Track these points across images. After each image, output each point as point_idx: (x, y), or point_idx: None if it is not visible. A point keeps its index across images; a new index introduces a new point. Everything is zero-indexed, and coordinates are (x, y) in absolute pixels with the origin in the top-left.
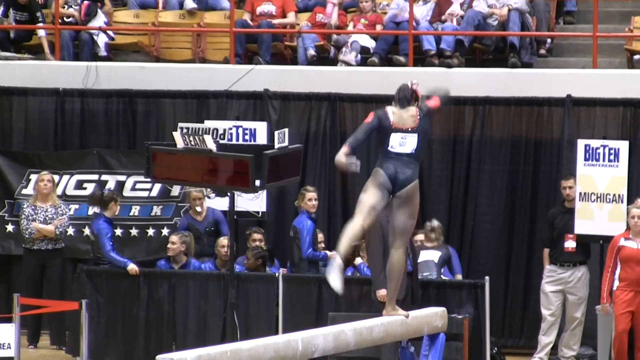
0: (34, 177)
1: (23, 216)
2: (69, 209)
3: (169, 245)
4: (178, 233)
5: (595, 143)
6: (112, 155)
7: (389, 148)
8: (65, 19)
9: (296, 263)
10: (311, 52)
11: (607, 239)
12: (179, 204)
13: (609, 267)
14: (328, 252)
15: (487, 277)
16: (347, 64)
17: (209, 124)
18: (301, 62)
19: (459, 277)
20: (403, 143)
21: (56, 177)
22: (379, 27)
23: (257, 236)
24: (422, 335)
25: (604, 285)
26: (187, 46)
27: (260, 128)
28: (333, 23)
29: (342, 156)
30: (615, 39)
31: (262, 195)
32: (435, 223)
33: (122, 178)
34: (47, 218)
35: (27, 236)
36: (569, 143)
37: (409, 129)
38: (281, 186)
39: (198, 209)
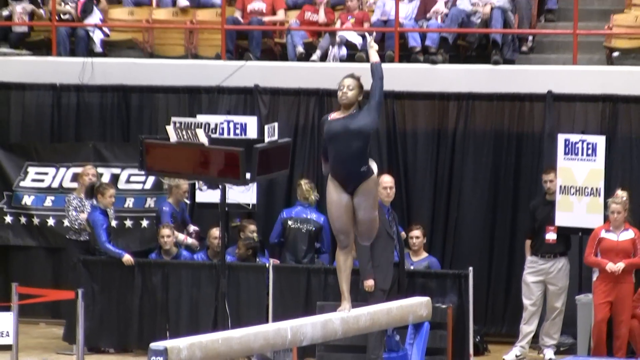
0: (31, 170)
1: (71, 207)
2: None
3: (165, 239)
4: (167, 225)
5: (574, 137)
6: (106, 148)
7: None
8: (61, 15)
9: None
10: (300, 49)
11: (586, 231)
12: None
13: (590, 254)
14: None
15: (470, 268)
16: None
17: (201, 118)
18: (290, 58)
19: None
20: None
21: (52, 170)
22: (366, 25)
23: (252, 227)
24: (407, 324)
25: (595, 261)
26: (180, 42)
27: (251, 122)
28: (321, 20)
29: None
30: (595, 36)
31: (253, 187)
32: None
33: (116, 171)
34: None
35: (76, 227)
36: (550, 137)
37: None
38: (271, 178)
39: (186, 200)
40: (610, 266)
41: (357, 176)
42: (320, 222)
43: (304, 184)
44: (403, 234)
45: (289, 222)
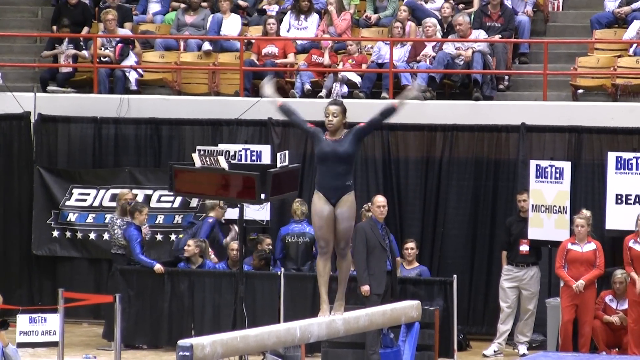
0: (75, 191)
1: (116, 226)
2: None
3: (186, 247)
4: (194, 238)
5: (544, 163)
6: (141, 172)
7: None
8: (102, 58)
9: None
10: (307, 86)
11: (555, 244)
12: (197, 214)
13: (560, 267)
14: None
15: (454, 276)
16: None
17: (222, 147)
18: (299, 95)
19: None
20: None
21: (94, 191)
22: (364, 66)
23: (268, 241)
24: (400, 324)
25: (564, 276)
26: (204, 82)
27: (265, 150)
28: (325, 62)
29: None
30: (562, 76)
31: (266, 206)
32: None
33: (149, 192)
34: None
35: (122, 242)
36: (523, 163)
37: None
38: (282, 199)
39: (223, 220)
40: (576, 286)
41: (342, 189)
42: (313, 234)
43: (294, 202)
44: (399, 260)
45: (287, 238)
